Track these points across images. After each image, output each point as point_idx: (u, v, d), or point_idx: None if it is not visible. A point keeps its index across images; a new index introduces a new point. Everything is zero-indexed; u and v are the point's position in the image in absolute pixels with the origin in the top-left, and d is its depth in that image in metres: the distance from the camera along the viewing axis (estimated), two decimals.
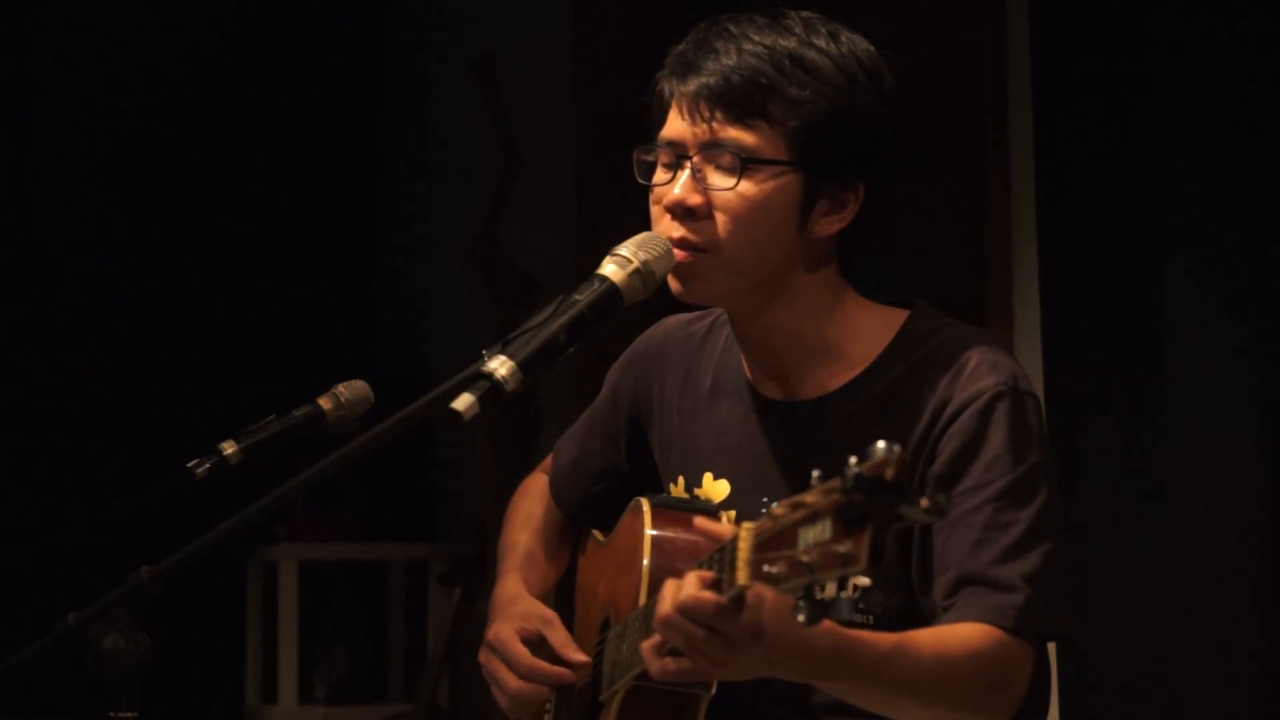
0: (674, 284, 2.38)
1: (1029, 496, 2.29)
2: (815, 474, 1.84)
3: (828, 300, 2.41)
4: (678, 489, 2.54)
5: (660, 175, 2.39)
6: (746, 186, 2.32)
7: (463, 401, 2.11)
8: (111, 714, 2.11)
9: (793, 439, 2.42)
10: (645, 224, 2.38)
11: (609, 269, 2.27)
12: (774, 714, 2.41)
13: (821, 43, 2.35)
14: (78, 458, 6.03)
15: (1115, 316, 3.80)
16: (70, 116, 6.36)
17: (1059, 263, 3.96)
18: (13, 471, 5.99)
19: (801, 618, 1.81)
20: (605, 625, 2.55)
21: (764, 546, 1.89)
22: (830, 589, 1.83)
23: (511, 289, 6.04)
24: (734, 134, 2.32)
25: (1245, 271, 3.63)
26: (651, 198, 2.40)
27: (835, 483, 1.79)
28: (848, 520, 1.77)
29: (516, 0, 6.24)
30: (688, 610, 2.02)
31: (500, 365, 2.14)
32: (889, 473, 1.75)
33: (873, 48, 2.39)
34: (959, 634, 2.23)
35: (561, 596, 2.75)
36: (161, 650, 2.13)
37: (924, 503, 1.74)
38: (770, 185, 2.33)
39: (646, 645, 2.14)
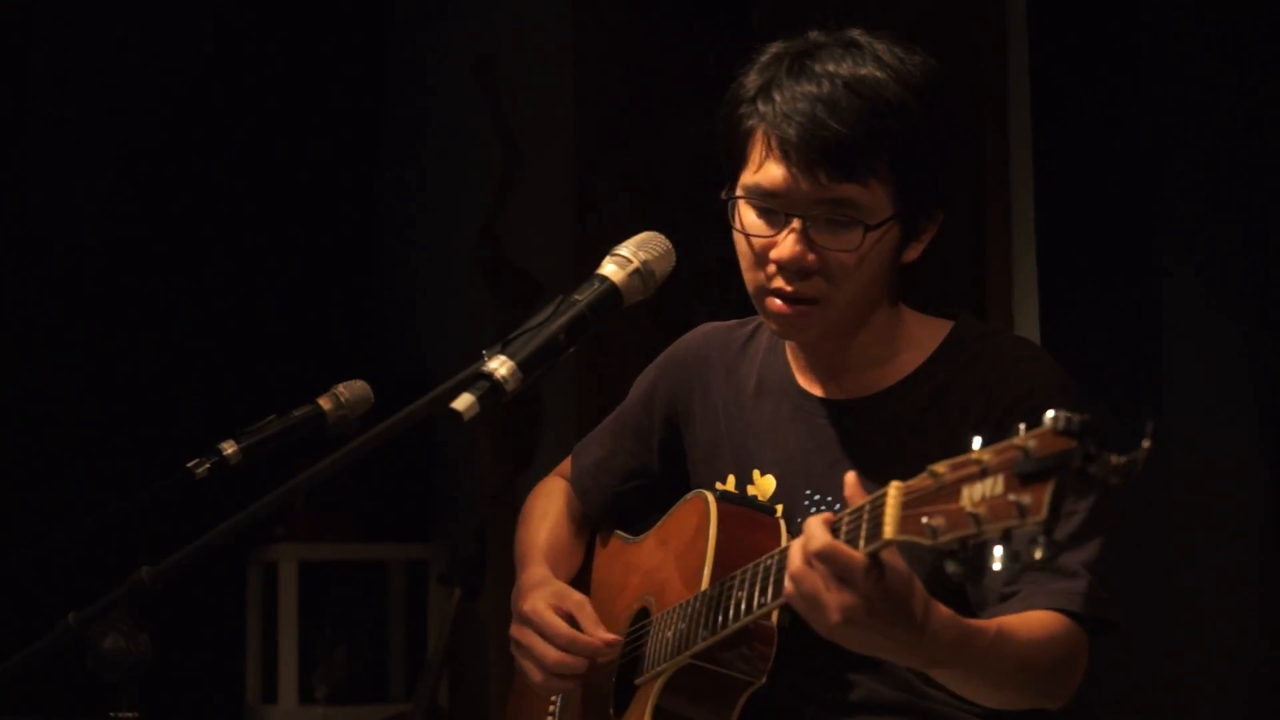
0: (776, 329, 2.42)
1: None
2: (976, 439, 1.84)
3: (894, 317, 2.46)
4: (728, 487, 2.56)
5: (756, 222, 2.38)
6: (865, 246, 2.34)
7: (463, 401, 2.11)
8: (111, 714, 2.12)
9: (842, 435, 2.46)
10: (646, 224, 2.38)
11: (609, 269, 2.28)
12: (809, 713, 2.41)
13: (905, 72, 2.34)
14: (78, 458, 6.03)
15: (1114, 317, 3.80)
16: (70, 116, 6.36)
17: (1058, 264, 3.96)
18: (13, 471, 5.99)
19: (953, 568, 1.82)
20: (641, 614, 2.55)
21: (917, 502, 1.90)
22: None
23: (511, 289, 6.04)
24: (849, 192, 2.32)
25: (1245, 271, 3.63)
26: (740, 237, 2.40)
27: (1019, 439, 1.78)
28: (1026, 475, 1.77)
29: (516, 0, 6.24)
30: (823, 557, 2.00)
31: (500, 365, 2.15)
32: (1075, 429, 1.74)
33: (934, 62, 2.39)
34: (1040, 620, 2.25)
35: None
36: (161, 650, 2.13)
37: (1115, 459, 1.73)
38: (880, 238, 2.36)
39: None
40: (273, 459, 2.64)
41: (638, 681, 2.49)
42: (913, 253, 2.42)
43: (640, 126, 5.43)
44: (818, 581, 2.01)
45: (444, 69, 6.59)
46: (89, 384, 6.21)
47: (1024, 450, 1.77)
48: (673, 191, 5.12)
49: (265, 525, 6.07)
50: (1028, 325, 4.09)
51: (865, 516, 1.99)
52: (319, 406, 2.71)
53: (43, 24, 6.35)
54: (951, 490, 1.85)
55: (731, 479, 2.55)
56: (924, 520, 1.87)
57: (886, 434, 2.41)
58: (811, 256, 2.34)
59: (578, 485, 2.78)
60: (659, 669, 2.42)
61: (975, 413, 2.35)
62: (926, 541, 1.87)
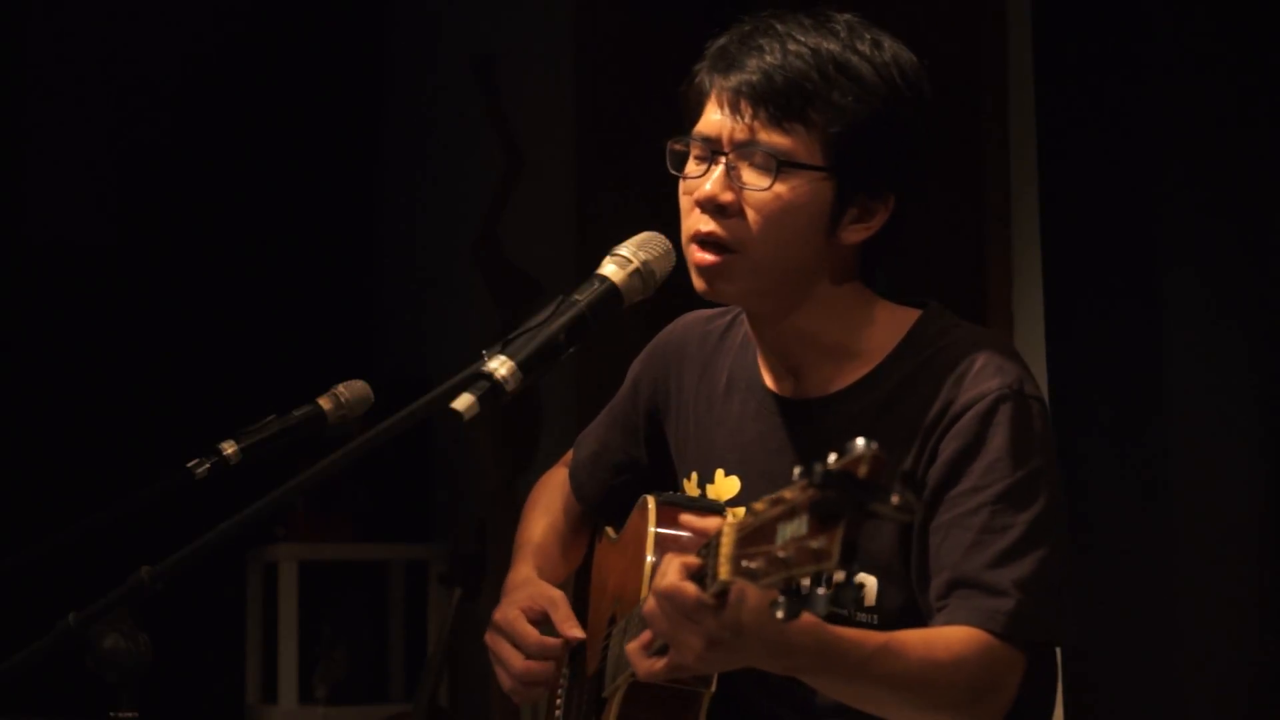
0: (698, 283, 2.39)
1: (1027, 501, 2.29)
2: (796, 470, 1.83)
3: (849, 309, 2.42)
4: (691, 484, 2.54)
5: (693, 167, 2.39)
6: (780, 188, 2.32)
7: (463, 401, 2.11)
8: (111, 714, 2.11)
9: (801, 436, 2.43)
10: (645, 224, 2.38)
11: (609, 269, 2.27)
12: (776, 714, 2.41)
13: (865, 49, 2.35)
14: (78, 458, 6.03)
15: (1117, 319, 3.80)
16: (70, 116, 6.36)
17: (1062, 265, 3.96)
18: (13, 471, 5.99)
19: (780, 614, 1.80)
20: (613, 620, 2.55)
21: (745, 542, 1.89)
22: (813, 583, 1.83)
23: (511, 289, 6.04)
24: (772, 135, 2.33)
25: (1247, 274, 3.63)
26: (682, 188, 2.40)
27: (816, 475, 1.78)
28: (822, 516, 1.76)
29: (516, 0, 6.24)
30: (666, 596, 2.03)
31: (500, 365, 2.15)
32: (862, 470, 1.75)
33: (915, 58, 2.39)
34: (947, 638, 2.23)
35: (579, 595, 2.76)
36: (161, 650, 2.13)
37: (895, 499, 1.74)
38: (803, 189, 2.33)
39: (633, 646, 2.15)
40: (273, 459, 2.64)
41: (604, 694, 2.50)
42: (857, 233, 2.37)
43: (640, 127, 5.43)
44: (663, 621, 2.05)
45: (444, 69, 6.59)
46: (89, 384, 6.22)
47: (817, 488, 1.76)
48: (673, 192, 5.11)
49: (265, 525, 6.07)
50: (1030, 325, 4.09)
51: (710, 555, 2.00)
52: (319, 406, 2.71)
53: (42, 24, 6.35)
54: (769, 530, 1.84)
55: (695, 476, 2.54)
56: (745, 563, 1.87)
57: (844, 436, 2.36)
58: (731, 196, 2.34)
59: (574, 480, 2.77)
60: (615, 684, 2.42)
61: (930, 417, 2.33)
62: (755, 581, 1.86)
